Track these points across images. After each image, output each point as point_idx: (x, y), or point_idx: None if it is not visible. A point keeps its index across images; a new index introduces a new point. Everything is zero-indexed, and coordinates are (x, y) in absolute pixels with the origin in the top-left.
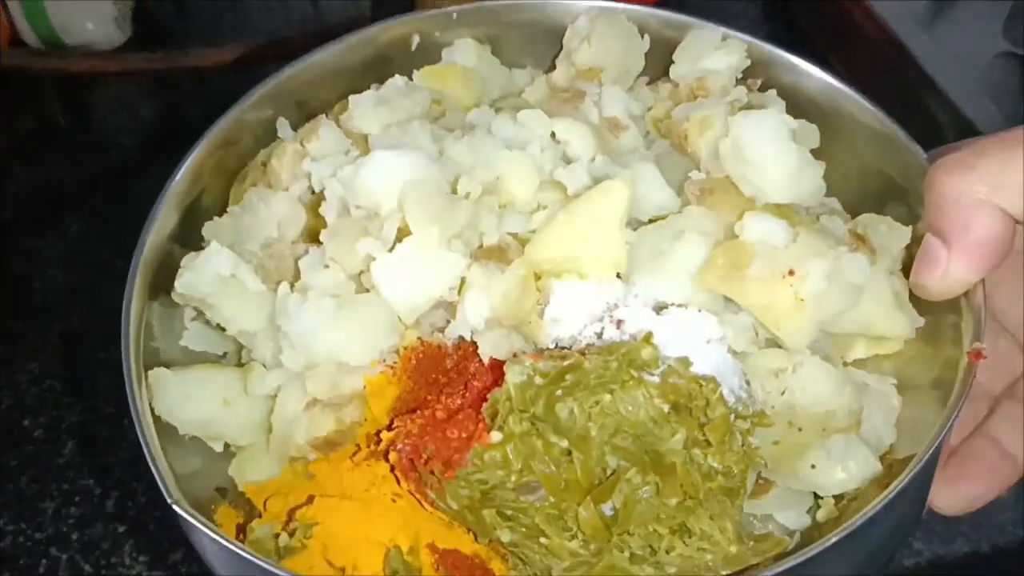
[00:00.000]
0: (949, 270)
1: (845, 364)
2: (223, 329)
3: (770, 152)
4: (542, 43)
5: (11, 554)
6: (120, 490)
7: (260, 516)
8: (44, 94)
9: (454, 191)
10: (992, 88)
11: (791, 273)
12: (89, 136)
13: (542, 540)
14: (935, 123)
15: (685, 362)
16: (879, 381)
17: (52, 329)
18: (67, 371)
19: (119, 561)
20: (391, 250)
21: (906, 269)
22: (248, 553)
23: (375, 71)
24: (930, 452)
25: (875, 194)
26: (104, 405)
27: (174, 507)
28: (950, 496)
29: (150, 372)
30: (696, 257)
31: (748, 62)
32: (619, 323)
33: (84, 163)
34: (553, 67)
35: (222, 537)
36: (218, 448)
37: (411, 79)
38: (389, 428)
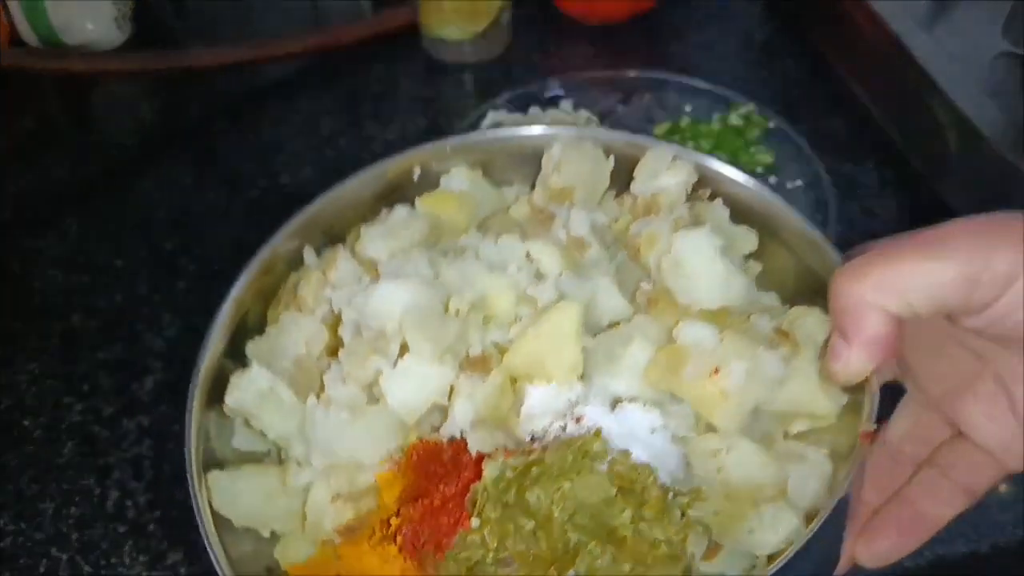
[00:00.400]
0: (850, 361)
1: (787, 436)
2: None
3: (702, 267)
4: (527, 163)
5: (11, 554)
6: (120, 490)
7: None
8: (44, 94)
9: (446, 308)
10: (992, 88)
11: (716, 371)
12: (89, 136)
13: None
14: (935, 123)
15: (626, 453)
16: (814, 451)
17: (52, 329)
18: (67, 371)
19: (119, 561)
20: (395, 365)
21: None
22: None
23: (385, 198)
24: (822, 518)
25: (807, 289)
26: (104, 405)
27: None
28: (867, 551)
29: (209, 475)
30: (643, 359)
31: (696, 178)
32: (578, 419)
33: (84, 163)
34: (535, 184)
35: None
36: (266, 534)
37: (413, 205)
38: (397, 515)
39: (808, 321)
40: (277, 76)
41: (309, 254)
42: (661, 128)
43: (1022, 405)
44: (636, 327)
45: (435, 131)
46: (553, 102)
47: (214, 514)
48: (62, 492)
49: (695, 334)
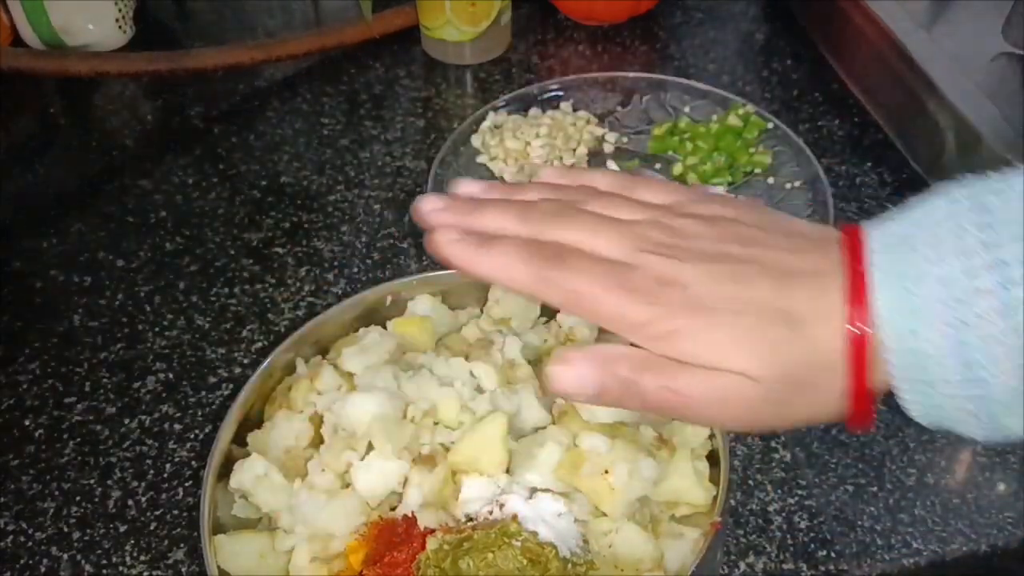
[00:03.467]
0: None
1: (673, 519)
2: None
3: None
4: (479, 291)
5: (12, 554)
6: (121, 490)
7: None
8: (44, 94)
9: (405, 415)
10: (992, 88)
11: (607, 472)
12: (89, 136)
13: None
14: (934, 123)
15: (535, 533)
16: (691, 530)
17: (52, 329)
18: (67, 371)
19: (120, 561)
20: (363, 459)
21: (709, 456)
22: None
23: (363, 319)
24: None
25: None
26: (105, 405)
27: None
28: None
29: (215, 538)
30: (553, 459)
31: None
32: (502, 505)
33: (84, 163)
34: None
35: None
36: None
37: (385, 326)
38: (360, 574)
39: (686, 430)
40: (277, 76)
41: (300, 364)
42: (660, 129)
43: None
44: (549, 434)
45: (435, 131)
46: (553, 103)
47: (220, 571)
48: (63, 492)
49: (592, 442)
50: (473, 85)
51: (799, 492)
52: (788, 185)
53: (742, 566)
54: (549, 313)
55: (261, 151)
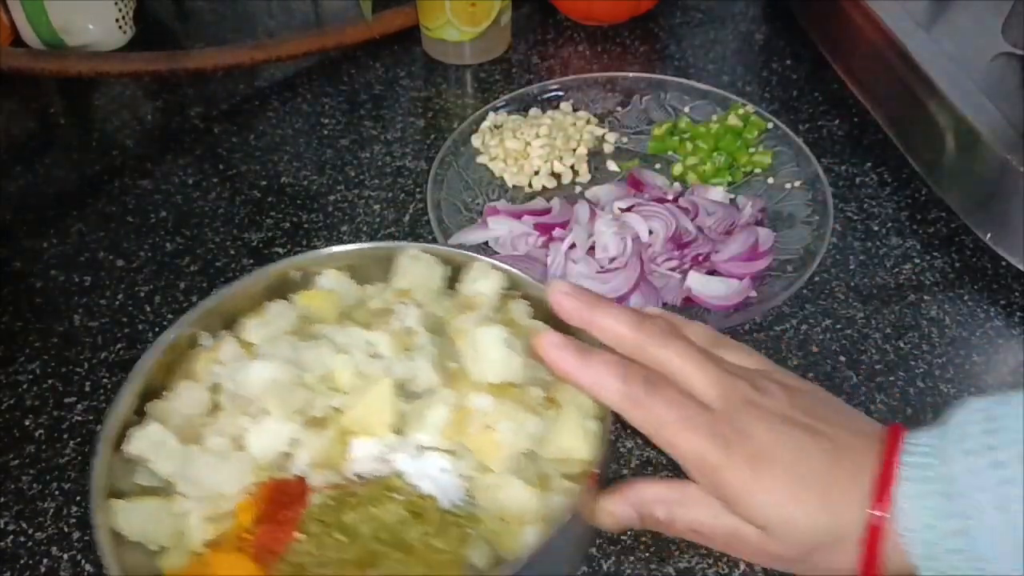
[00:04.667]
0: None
1: (564, 476)
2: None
3: (489, 352)
4: (385, 265)
5: (12, 554)
6: None
7: None
8: (44, 94)
9: (301, 382)
10: (992, 88)
11: (491, 428)
12: (89, 136)
13: None
14: (934, 123)
15: (416, 488)
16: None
17: (52, 329)
18: (67, 371)
19: None
20: (258, 422)
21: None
22: None
23: (270, 293)
24: (555, 529)
25: None
26: (105, 405)
27: None
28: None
29: (109, 501)
30: (442, 418)
31: (507, 284)
32: (388, 464)
33: (84, 163)
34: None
35: None
36: (154, 548)
37: (289, 300)
38: (250, 532)
39: (574, 391)
40: (277, 76)
41: (205, 339)
42: (660, 129)
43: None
44: (439, 395)
45: (435, 131)
46: (553, 103)
47: (115, 533)
48: (63, 492)
49: (479, 402)
50: (473, 85)
51: None
52: (788, 185)
53: (742, 566)
54: (451, 284)
55: (261, 151)
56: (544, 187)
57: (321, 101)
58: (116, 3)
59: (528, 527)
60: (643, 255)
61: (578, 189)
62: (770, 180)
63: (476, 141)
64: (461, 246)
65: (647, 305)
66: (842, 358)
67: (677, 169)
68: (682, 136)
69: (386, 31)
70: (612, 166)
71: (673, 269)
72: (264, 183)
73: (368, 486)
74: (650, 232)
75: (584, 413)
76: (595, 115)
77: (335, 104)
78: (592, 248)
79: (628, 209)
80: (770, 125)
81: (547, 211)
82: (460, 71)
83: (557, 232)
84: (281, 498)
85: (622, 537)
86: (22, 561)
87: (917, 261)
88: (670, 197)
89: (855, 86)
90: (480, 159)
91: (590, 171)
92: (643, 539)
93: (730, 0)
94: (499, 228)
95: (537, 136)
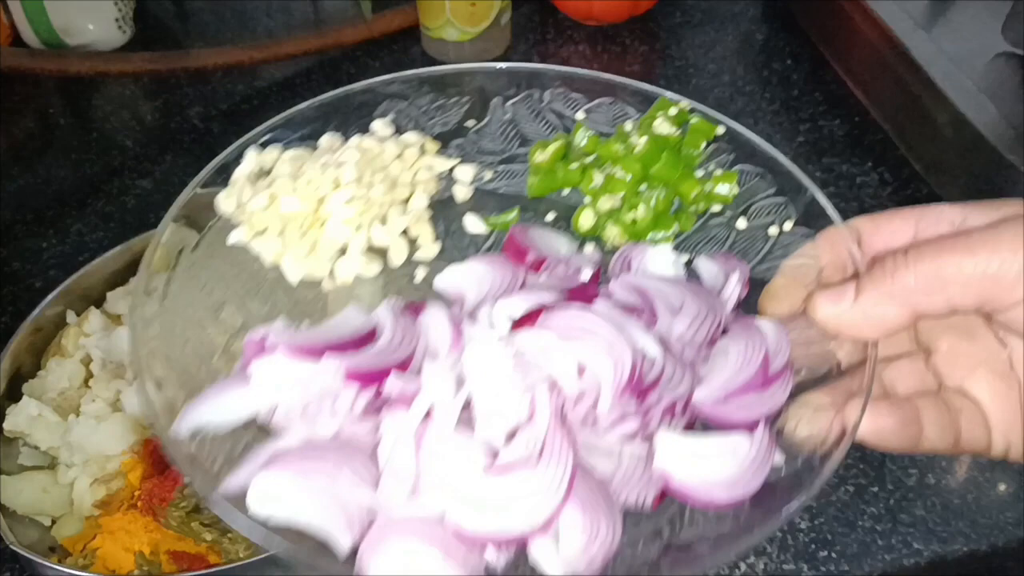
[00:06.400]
0: (842, 312)
1: None
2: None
3: None
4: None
5: (12, 554)
6: None
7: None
8: (44, 94)
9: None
10: (992, 88)
11: None
12: (89, 136)
13: (229, 535)
14: (934, 123)
15: None
16: None
17: None
18: None
19: None
20: (131, 384)
21: None
22: (64, 568)
23: (133, 267)
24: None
25: None
26: None
27: (23, 553)
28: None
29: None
30: None
31: None
32: None
33: (84, 163)
34: None
35: (49, 564)
36: (46, 522)
37: None
38: (138, 489)
39: None
40: (277, 76)
41: (71, 316)
42: (545, 150)
43: None
44: None
45: None
46: (359, 118)
47: (5, 509)
48: None
49: None
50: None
51: None
52: (772, 229)
53: (743, 567)
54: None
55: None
56: (356, 279)
57: None
58: (116, 3)
59: None
60: (570, 419)
61: (420, 275)
62: (740, 224)
63: (226, 202)
64: (199, 434)
65: (594, 533)
66: None
67: (585, 219)
68: (583, 162)
69: (386, 31)
70: (474, 224)
71: (632, 436)
72: None
73: None
74: (581, 369)
75: None
76: (433, 136)
77: None
78: (467, 414)
79: (527, 321)
80: (721, 129)
81: (367, 337)
82: None
83: (394, 385)
84: (164, 455)
85: None
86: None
87: None
88: (588, 274)
89: (855, 86)
90: (236, 237)
91: (438, 238)
92: None
93: (730, 0)
94: (275, 384)
95: (336, 186)
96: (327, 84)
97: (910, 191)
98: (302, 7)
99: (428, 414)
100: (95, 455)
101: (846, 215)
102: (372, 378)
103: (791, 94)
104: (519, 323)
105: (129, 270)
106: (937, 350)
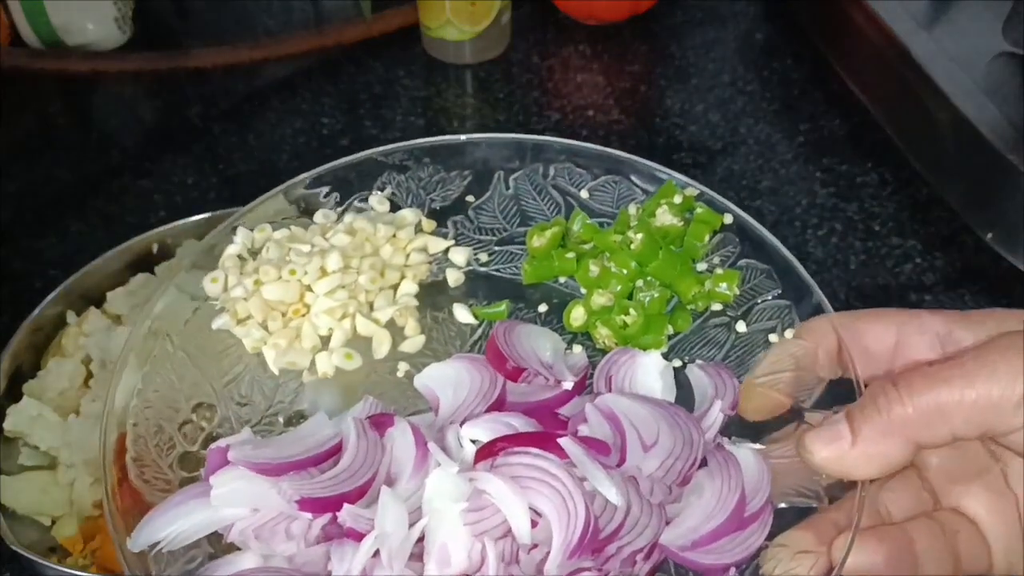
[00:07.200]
0: (845, 456)
1: None
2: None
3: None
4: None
5: (12, 554)
6: None
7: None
8: (44, 94)
9: None
10: (992, 88)
11: None
12: (89, 136)
13: None
14: (934, 123)
15: None
16: None
17: None
18: None
19: None
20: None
21: None
22: (64, 568)
23: (133, 269)
24: None
25: None
26: None
27: (23, 553)
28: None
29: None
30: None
31: None
32: None
33: (84, 163)
34: None
35: (49, 564)
36: (46, 523)
37: (153, 272)
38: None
39: None
40: (277, 76)
41: (71, 316)
42: (543, 235)
43: None
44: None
45: (435, 131)
46: (357, 194)
47: (4, 508)
48: None
49: None
50: (473, 85)
51: None
52: (774, 337)
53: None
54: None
55: (261, 151)
56: (337, 371)
57: (321, 101)
58: (115, 2)
59: None
60: (520, 570)
61: (402, 370)
62: (740, 327)
63: (210, 285)
64: (157, 546)
65: None
66: None
67: (576, 315)
68: (580, 250)
69: (386, 30)
70: (462, 314)
71: None
72: (264, 183)
73: None
74: (537, 516)
75: None
76: (433, 210)
77: (335, 104)
78: (421, 546)
79: (495, 446)
80: (728, 218)
81: (333, 451)
82: (460, 71)
83: (347, 516)
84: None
85: None
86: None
87: (918, 261)
88: (565, 388)
89: (856, 86)
90: (220, 322)
91: (424, 329)
92: None
93: (730, 0)
94: (234, 501)
95: (323, 273)
96: (327, 84)
97: (911, 191)
98: (302, 7)
99: (378, 554)
100: (95, 455)
101: (846, 215)
102: (326, 507)
103: (791, 94)
104: (485, 449)
105: (129, 270)
106: (928, 466)
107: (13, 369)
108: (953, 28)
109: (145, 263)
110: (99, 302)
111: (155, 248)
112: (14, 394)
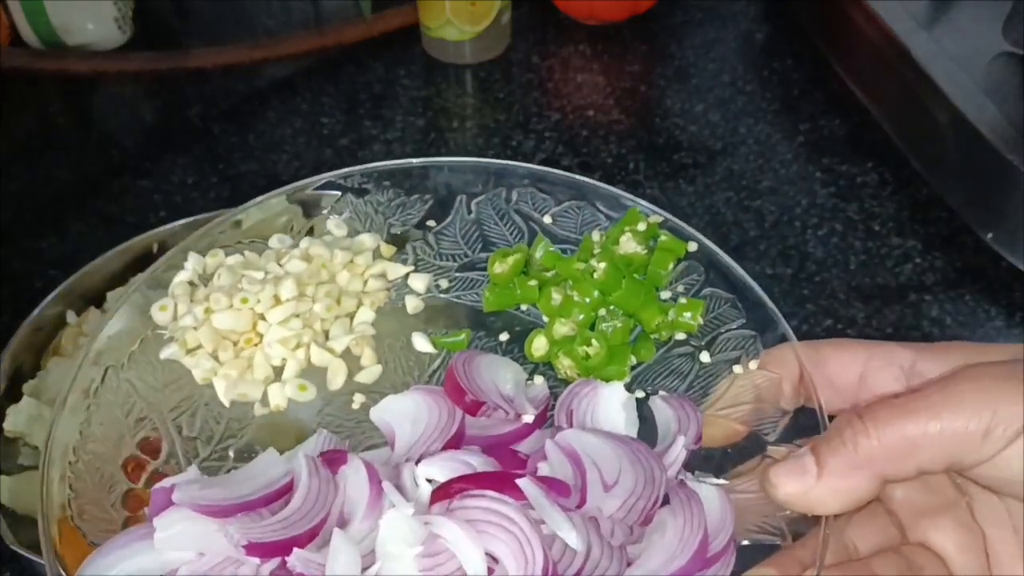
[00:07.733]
0: (810, 493)
1: None
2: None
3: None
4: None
5: (12, 554)
6: None
7: None
8: (44, 94)
9: None
10: (992, 88)
11: None
12: (89, 136)
13: None
14: (935, 123)
15: None
16: None
17: None
18: None
19: None
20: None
21: None
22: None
23: (133, 267)
24: None
25: None
26: None
27: (23, 553)
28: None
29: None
30: None
31: None
32: None
33: (84, 163)
34: None
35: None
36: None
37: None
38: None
39: None
40: (277, 76)
41: (71, 316)
42: (504, 262)
43: (996, 551)
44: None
45: (435, 131)
46: (311, 213)
47: (5, 509)
48: None
49: None
50: (473, 85)
51: None
52: (738, 368)
53: None
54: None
55: (261, 151)
56: (291, 403)
57: (321, 101)
58: (115, 2)
59: None
60: None
61: (358, 402)
62: (704, 357)
63: (159, 313)
64: None
65: None
66: None
67: (538, 345)
68: (542, 277)
69: (386, 30)
70: (421, 343)
71: None
72: (264, 183)
73: None
74: (494, 562)
75: None
76: (393, 235)
77: (335, 104)
78: None
79: (451, 487)
80: (693, 246)
81: (283, 490)
82: (460, 71)
83: (298, 561)
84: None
85: None
86: (22, 560)
87: (918, 261)
88: (526, 421)
89: (856, 86)
90: (168, 352)
91: (381, 359)
92: None
93: (730, 0)
94: (179, 544)
95: (276, 301)
96: (327, 84)
97: (911, 191)
98: (302, 7)
99: None
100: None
101: (846, 215)
102: (275, 551)
103: (791, 94)
104: (441, 490)
105: (129, 270)
106: (892, 498)
107: (13, 369)
108: (953, 28)
109: (145, 263)
110: (99, 302)
111: (155, 248)
112: (14, 394)
